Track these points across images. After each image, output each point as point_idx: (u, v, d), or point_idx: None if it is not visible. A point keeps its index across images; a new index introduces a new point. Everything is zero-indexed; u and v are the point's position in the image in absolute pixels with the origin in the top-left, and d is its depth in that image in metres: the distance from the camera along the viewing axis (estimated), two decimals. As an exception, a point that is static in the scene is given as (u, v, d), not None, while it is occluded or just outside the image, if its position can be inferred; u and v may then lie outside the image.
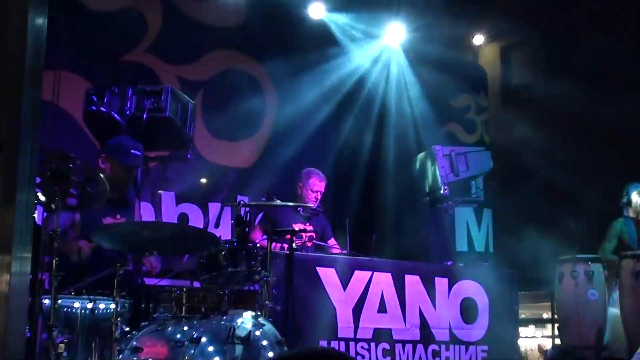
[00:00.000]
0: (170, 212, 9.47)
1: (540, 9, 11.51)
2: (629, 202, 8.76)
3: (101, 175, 5.13)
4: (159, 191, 9.40)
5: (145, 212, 9.06)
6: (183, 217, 9.61)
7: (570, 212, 8.54)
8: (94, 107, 6.56)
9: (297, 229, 7.48)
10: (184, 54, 9.81)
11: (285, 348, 5.33)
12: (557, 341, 8.70)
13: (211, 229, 9.59)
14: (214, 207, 9.85)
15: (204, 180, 9.94)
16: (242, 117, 10.17)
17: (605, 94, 10.98)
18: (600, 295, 8.09)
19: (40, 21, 3.11)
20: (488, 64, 12.41)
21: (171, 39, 9.66)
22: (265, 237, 6.52)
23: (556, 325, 8.74)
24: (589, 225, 8.82)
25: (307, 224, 8.00)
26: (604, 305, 8.13)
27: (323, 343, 6.93)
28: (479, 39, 12.16)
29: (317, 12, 10.40)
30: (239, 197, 8.85)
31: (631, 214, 8.77)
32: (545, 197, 10.84)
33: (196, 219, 9.67)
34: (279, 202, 6.54)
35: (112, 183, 5.81)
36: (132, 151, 5.88)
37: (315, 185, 8.19)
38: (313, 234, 7.79)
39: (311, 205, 8.01)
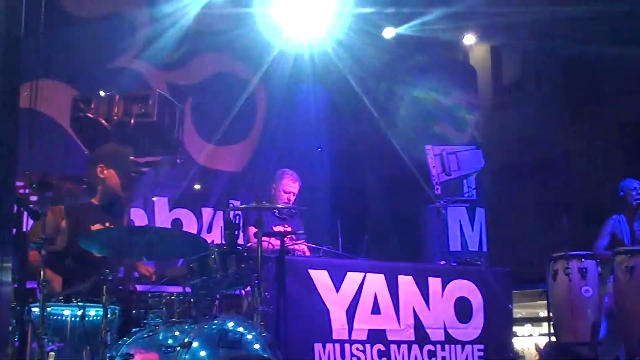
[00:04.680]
0: (163, 218, 9.44)
1: (531, 9, 11.52)
2: (623, 198, 8.75)
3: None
4: (153, 198, 9.38)
5: (138, 219, 9.04)
6: (177, 223, 9.57)
7: (563, 208, 8.51)
8: (81, 113, 6.52)
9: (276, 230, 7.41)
10: (172, 59, 9.77)
11: (278, 351, 5.29)
12: (553, 339, 8.66)
13: (204, 234, 9.56)
14: (206, 212, 9.82)
15: (197, 186, 9.90)
16: (233, 121, 10.15)
17: (596, 91, 11.01)
18: (595, 291, 8.07)
19: (16, 31, 3.07)
20: (479, 64, 12.40)
21: (159, 44, 9.62)
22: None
23: (551, 323, 8.71)
24: (582, 222, 8.81)
25: (285, 225, 7.93)
26: (598, 302, 8.12)
27: (317, 345, 6.89)
28: (469, 39, 12.14)
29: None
30: (231, 201, 8.86)
31: (625, 210, 8.76)
32: (538, 195, 10.83)
33: (190, 224, 9.65)
34: (267, 204, 6.50)
35: (110, 192, 5.81)
36: (130, 157, 5.85)
37: (288, 186, 8.10)
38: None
39: (290, 206, 7.94)
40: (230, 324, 5.16)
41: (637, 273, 7.74)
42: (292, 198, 8.13)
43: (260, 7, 10.17)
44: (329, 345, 6.94)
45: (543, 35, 11.65)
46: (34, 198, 4.85)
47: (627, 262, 7.81)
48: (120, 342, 5.06)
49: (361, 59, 10.85)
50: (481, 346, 7.80)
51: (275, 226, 7.76)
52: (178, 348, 4.89)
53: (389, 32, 10.92)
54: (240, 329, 5.17)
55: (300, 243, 7.68)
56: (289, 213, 8.11)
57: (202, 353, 4.96)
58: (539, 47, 12.02)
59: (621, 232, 8.63)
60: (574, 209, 9.09)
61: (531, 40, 12.08)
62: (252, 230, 7.50)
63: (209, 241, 5.89)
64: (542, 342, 10.38)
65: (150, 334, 5.13)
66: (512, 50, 13.14)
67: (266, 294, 6.13)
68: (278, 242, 6.98)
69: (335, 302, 7.05)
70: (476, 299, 7.90)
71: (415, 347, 7.43)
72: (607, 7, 10.60)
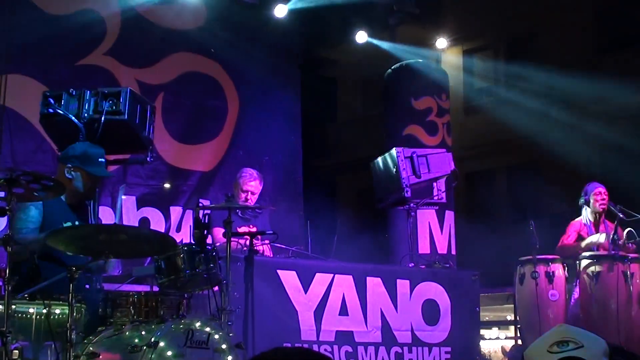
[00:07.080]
0: (131, 217, 9.38)
1: (503, 15, 11.60)
2: (588, 202, 8.79)
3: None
4: (122, 196, 9.31)
5: (106, 217, 8.97)
6: (145, 222, 9.51)
7: (531, 213, 8.56)
8: (50, 110, 6.43)
9: (240, 231, 7.31)
10: (143, 57, 9.72)
11: (245, 351, 5.28)
12: (520, 342, 8.71)
13: (172, 233, 9.52)
14: (175, 211, 9.78)
15: (166, 185, 9.85)
16: (203, 120, 10.12)
17: (564, 99, 11.10)
18: (561, 295, 8.13)
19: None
20: (450, 67, 12.46)
21: (130, 42, 9.57)
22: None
23: (518, 326, 8.77)
24: (548, 226, 8.86)
25: (250, 226, 7.84)
26: (565, 306, 8.17)
27: (285, 346, 6.88)
28: (441, 43, 12.20)
29: (280, 13, 10.39)
30: (201, 201, 8.81)
31: (589, 214, 8.81)
32: (506, 199, 10.91)
33: (158, 223, 9.59)
34: (236, 204, 6.48)
35: (80, 192, 5.73)
36: (100, 159, 5.78)
37: (245, 185, 7.93)
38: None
39: (255, 206, 7.89)
40: (198, 324, 5.14)
41: (603, 278, 7.82)
42: (252, 197, 7.98)
43: (231, 3, 10.16)
44: (297, 346, 6.94)
45: (516, 39, 11.74)
46: (1, 194, 4.78)
47: (593, 267, 7.88)
48: (85, 341, 5.02)
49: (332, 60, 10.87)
50: (448, 349, 7.83)
51: (239, 227, 7.62)
52: (144, 348, 4.86)
53: (360, 35, 10.94)
54: (208, 329, 5.16)
55: (265, 243, 7.61)
56: (252, 213, 8.04)
57: (169, 353, 4.94)
58: (511, 52, 12.10)
59: (588, 234, 8.67)
60: (541, 213, 9.14)
61: (504, 44, 12.17)
62: (219, 230, 7.45)
63: (178, 240, 5.83)
64: (509, 345, 10.44)
65: (117, 333, 5.09)
66: (484, 55, 13.21)
67: (235, 293, 6.13)
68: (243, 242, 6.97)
69: (303, 303, 7.06)
70: (444, 302, 7.93)
71: (382, 349, 7.45)
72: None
